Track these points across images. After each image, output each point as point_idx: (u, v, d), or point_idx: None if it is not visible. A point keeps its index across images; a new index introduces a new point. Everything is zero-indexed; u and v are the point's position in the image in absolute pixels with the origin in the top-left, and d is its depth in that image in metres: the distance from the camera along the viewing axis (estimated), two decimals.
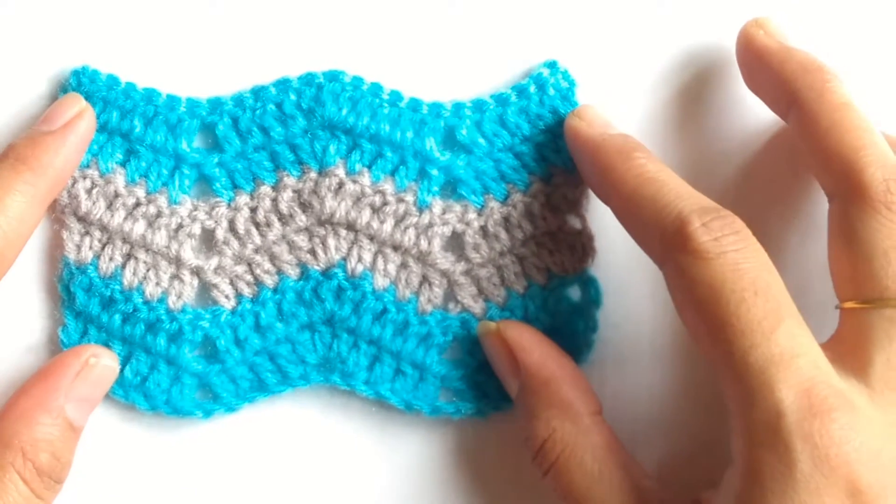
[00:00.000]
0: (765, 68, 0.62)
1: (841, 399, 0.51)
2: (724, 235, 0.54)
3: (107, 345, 0.63)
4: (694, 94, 0.66)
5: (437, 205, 0.64)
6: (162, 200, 0.64)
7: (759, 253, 0.54)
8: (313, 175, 0.63)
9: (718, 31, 0.65)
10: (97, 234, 0.63)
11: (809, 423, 0.50)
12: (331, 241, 0.64)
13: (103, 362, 0.62)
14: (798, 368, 0.51)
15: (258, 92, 0.64)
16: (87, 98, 0.63)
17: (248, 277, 0.64)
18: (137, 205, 0.64)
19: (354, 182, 0.63)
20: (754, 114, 0.65)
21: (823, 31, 0.66)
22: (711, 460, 0.59)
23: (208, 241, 0.65)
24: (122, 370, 0.63)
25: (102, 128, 0.63)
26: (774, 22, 0.63)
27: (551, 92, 0.64)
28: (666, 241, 0.55)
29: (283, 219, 0.64)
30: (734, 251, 0.54)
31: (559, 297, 0.65)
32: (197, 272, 0.64)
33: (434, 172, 0.64)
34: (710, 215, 0.54)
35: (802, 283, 0.63)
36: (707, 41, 0.66)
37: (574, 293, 0.65)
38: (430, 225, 0.64)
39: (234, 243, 0.64)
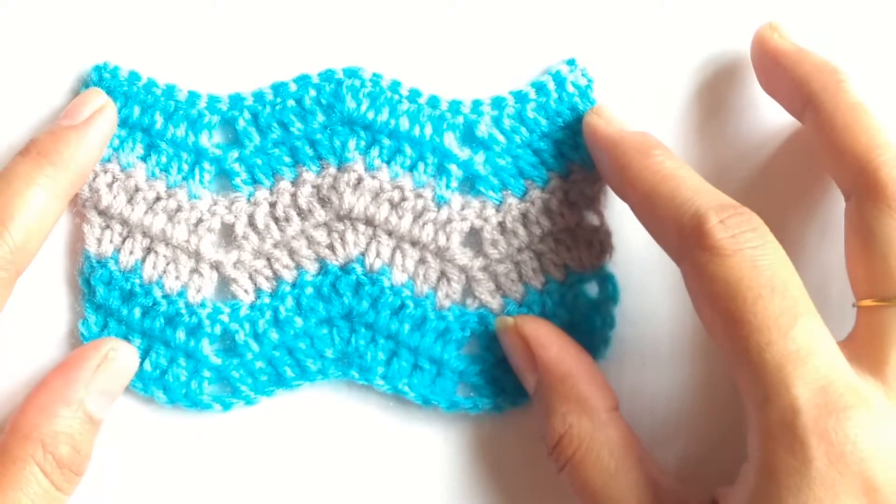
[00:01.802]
0: (779, 70, 0.62)
1: (857, 397, 0.51)
2: (741, 232, 0.54)
3: (126, 338, 0.64)
4: (711, 93, 0.66)
5: (456, 201, 0.64)
6: (182, 195, 0.64)
7: (776, 250, 0.54)
8: (332, 170, 0.64)
9: (736, 32, 0.65)
10: (118, 228, 0.64)
11: (825, 420, 0.50)
12: (349, 237, 0.64)
13: (123, 355, 0.62)
14: (814, 366, 0.51)
15: (278, 88, 0.65)
16: (109, 93, 0.64)
17: (267, 272, 0.65)
18: (158, 199, 0.64)
19: (373, 178, 0.64)
20: (771, 114, 0.65)
21: (837, 34, 0.66)
22: (728, 457, 0.59)
23: (228, 235, 0.65)
24: (141, 363, 0.64)
25: (123, 123, 0.64)
26: (788, 25, 0.63)
27: (570, 89, 0.65)
28: (683, 237, 0.55)
29: (301, 214, 0.64)
30: (751, 248, 0.54)
31: (577, 294, 0.65)
32: (216, 266, 0.64)
33: (452, 168, 0.64)
34: (727, 212, 0.55)
35: (820, 281, 0.64)
36: (725, 42, 0.66)
37: (591, 289, 0.65)
38: (449, 221, 0.64)
39: (254, 238, 0.64)
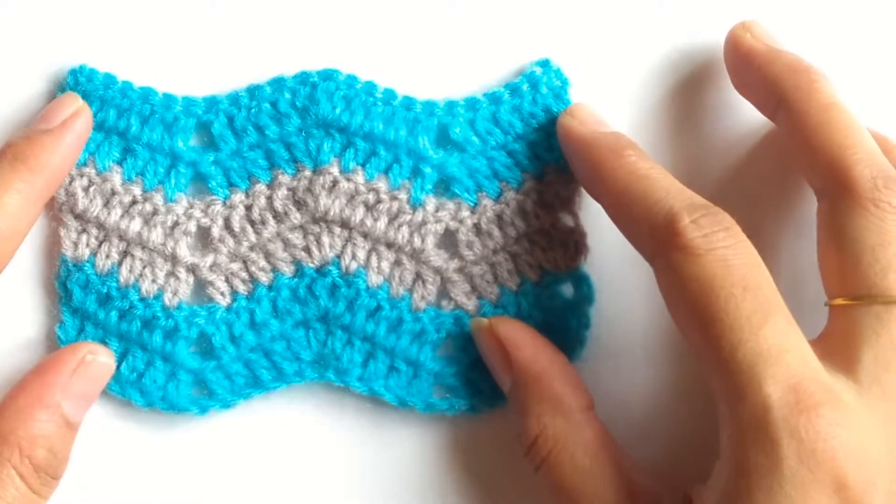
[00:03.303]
0: (752, 70, 0.62)
1: (828, 395, 0.51)
2: (713, 232, 0.54)
3: (103, 341, 0.64)
4: (686, 93, 0.66)
5: (431, 202, 0.64)
6: (158, 198, 0.64)
7: (748, 249, 0.54)
8: (308, 173, 0.64)
9: (711, 31, 0.66)
10: (94, 231, 0.64)
11: (796, 418, 0.50)
12: (325, 239, 0.64)
13: (100, 359, 0.62)
14: (786, 364, 0.51)
15: (253, 91, 0.65)
16: (85, 97, 0.64)
17: (244, 275, 0.65)
18: (134, 202, 0.64)
19: (348, 180, 0.64)
20: (745, 114, 0.65)
21: (811, 33, 0.66)
22: (703, 455, 0.59)
23: (204, 238, 0.65)
24: (118, 367, 0.64)
25: (99, 126, 0.64)
26: (761, 25, 0.64)
27: (544, 90, 0.65)
28: (656, 237, 0.55)
29: (277, 216, 0.64)
30: (724, 247, 0.54)
31: (552, 294, 0.65)
32: (193, 269, 0.64)
33: (427, 170, 0.64)
34: (699, 212, 0.55)
35: (794, 280, 0.64)
36: (700, 41, 0.66)
37: (567, 290, 0.65)
38: (424, 223, 0.64)
39: (230, 241, 0.64)
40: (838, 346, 0.55)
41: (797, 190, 0.66)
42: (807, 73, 0.60)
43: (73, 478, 0.62)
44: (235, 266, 0.64)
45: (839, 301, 0.57)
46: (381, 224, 0.64)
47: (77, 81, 0.64)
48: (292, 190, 0.64)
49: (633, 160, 0.59)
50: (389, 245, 0.64)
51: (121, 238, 0.64)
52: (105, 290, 0.64)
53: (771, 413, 0.51)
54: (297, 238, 0.64)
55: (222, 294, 0.65)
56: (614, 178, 0.59)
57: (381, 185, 0.64)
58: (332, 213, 0.64)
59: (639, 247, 0.58)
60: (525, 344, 0.62)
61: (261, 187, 0.64)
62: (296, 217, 0.64)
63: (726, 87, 0.65)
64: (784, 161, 0.65)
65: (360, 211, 0.64)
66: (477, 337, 0.64)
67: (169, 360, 0.64)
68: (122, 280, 0.64)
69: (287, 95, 0.64)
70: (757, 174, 0.66)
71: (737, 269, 0.53)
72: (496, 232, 0.64)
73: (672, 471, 0.64)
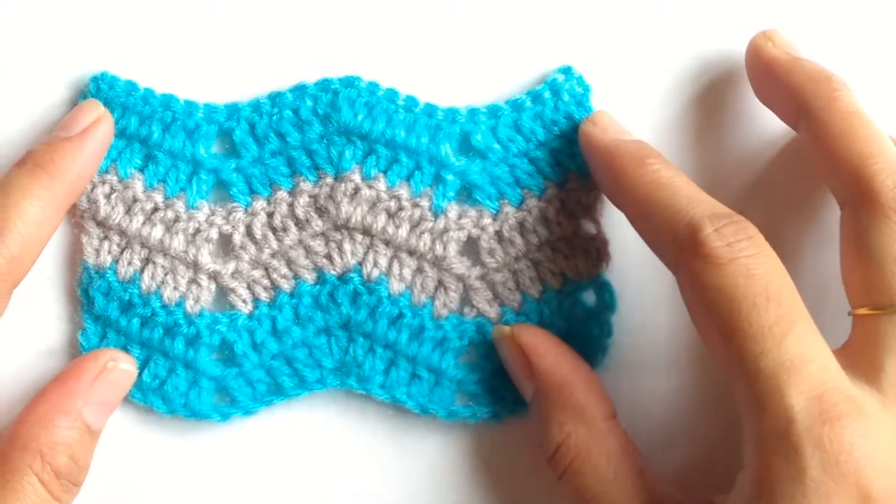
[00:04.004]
0: (774, 79, 0.62)
1: (852, 405, 0.51)
2: (736, 241, 0.54)
3: (125, 348, 0.64)
4: (708, 102, 0.66)
5: (453, 210, 0.64)
6: (180, 205, 0.64)
7: (771, 258, 0.54)
8: (329, 180, 0.64)
9: (733, 40, 0.66)
10: (116, 238, 0.64)
11: (820, 428, 0.50)
12: (347, 246, 0.64)
13: (121, 366, 0.62)
14: (809, 374, 0.51)
15: (275, 98, 0.65)
16: (106, 104, 0.64)
17: (265, 282, 0.65)
18: (155, 209, 0.64)
19: (370, 187, 0.64)
20: (766, 122, 0.65)
21: (832, 42, 0.66)
22: (726, 464, 0.58)
23: (225, 245, 0.65)
24: (140, 374, 0.64)
25: (121, 133, 0.64)
26: (783, 34, 0.63)
27: (566, 97, 0.65)
28: (679, 246, 0.55)
29: (299, 224, 0.64)
30: (746, 257, 0.54)
31: (574, 302, 0.65)
32: (214, 276, 0.64)
33: (449, 177, 0.64)
34: (722, 221, 0.55)
35: (816, 289, 0.64)
36: (722, 49, 0.66)
37: (589, 298, 0.65)
38: (446, 230, 0.64)
39: (251, 248, 0.64)
40: (862, 355, 0.55)
41: (819, 198, 0.65)
42: (828, 82, 0.60)
43: (94, 485, 0.63)
44: (257, 273, 0.65)
45: (862, 310, 0.56)
46: (403, 231, 0.64)
47: (99, 88, 0.64)
48: (314, 197, 0.64)
49: (656, 168, 0.58)
50: (411, 252, 0.64)
51: (143, 245, 0.64)
52: (127, 298, 0.64)
53: (794, 423, 0.51)
54: (318, 245, 0.64)
55: (244, 301, 0.65)
56: (636, 186, 0.58)
57: (403, 192, 0.64)
58: (353, 221, 0.64)
59: (661, 255, 0.58)
60: (547, 352, 0.62)
61: (282, 194, 0.64)
62: (317, 224, 0.64)
63: (748, 95, 0.65)
64: (806, 170, 0.65)
65: (382, 218, 0.64)
66: (499, 345, 0.64)
67: (191, 368, 0.64)
68: (144, 287, 0.64)
69: (309, 102, 0.64)
70: (779, 183, 0.66)
71: (760, 279, 0.53)
72: (518, 239, 0.64)
73: (694, 480, 0.64)
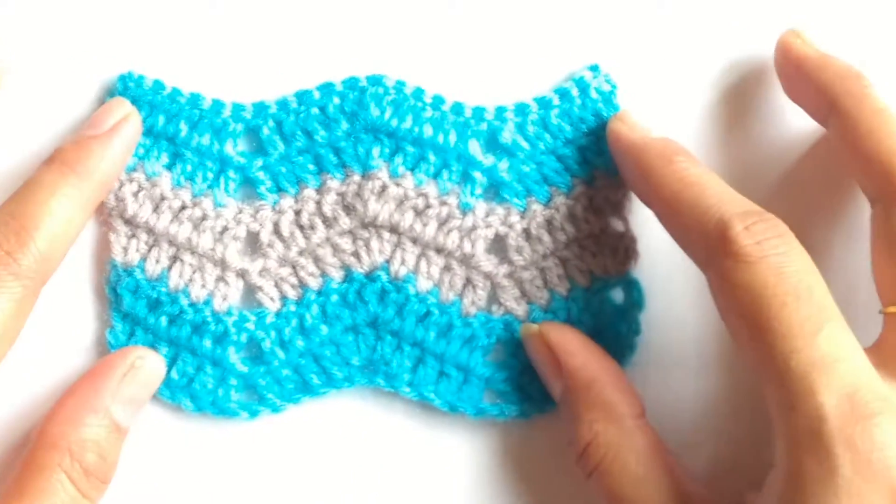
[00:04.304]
0: (803, 76, 0.62)
1: (884, 404, 0.51)
2: (766, 239, 0.54)
3: (153, 346, 0.64)
4: (737, 99, 0.66)
5: (480, 207, 0.64)
6: (207, 203, 0.64)
7: (802, 256, 0.54)
8: (356, 178, 0.64)
9: (760, 38, 0.65)
10: (143, 236, 0.64)
11: (851, 427, 0.50)
12: (374, 244, 0.64)
13: (150, 364, 0.62)
14: (840, 373, 0.51)
15: (302, 96, 0.65)
16: (134, 102, 0.64)
17: (293, 280, 0.65)
18: (183, 208, 0.64)
19: (397, 185, 0.64)
20: (796, 119, 0.65)
21: (861, 40, 0.66)
22: (756, 462, 0.59)
23: (253, 243, 0.65)
24: (168, 371, 0.64)
25: (148, 132, 0.64)
26: (812, 31, 0.63)
27: (593, 95, 0.64)
28: (708, 244, 0.55)
29: (326, 221, 0.64)
30: (776, 255, 0.53)
31: (602, 300, 0.65)
32: (242, 274, 0.64)
33: (477, 175, 0.64)
34: (752, 218, 0.54)
35: (847, 287, 0.63)
36: (749, 47, 0.66)
37: (617, 295, 0.65)
38: (474, 228, 0.64)
39: (279, 246, 0.64)
40: (893, 354, 0.55)
41: (850, 195, 0.65)
42: (858, 80, 0.60)
43: (122, 482, 0.63)
44: (285, 271, 0.65)
45: (893, 309, 0.56)
46: (431, 229, 0.64)
47: (126, 87, 0.64)
48: (341, 195, 0.64)
49: (684, 166, 0.58)
50: (439, 250, 0.64)
51: (170, 243, 0.64)
52: (155, 295, 0.64)
53: (826, 422, 0.50)
54: (346, 243, 0.64)
55: (272, 299, 0.65)
56: (665, 183, 0.58)
57: (431, 190, 0.64)
58: (381, 218, 0.64)
59: (691, 253, 0.58)
60: (576, 350, 0.62)
61: (310, 192, 0.64)
62: (345, 222, 0.64)
63: (776, 92, 0.65)
64: (836, 166, 0.65)
65: (410, 216, 0.64)
66: (527, 342, 0.64)
67: (219, 365, 0.64)
68: (171, 285, 0.64)
69: (336, 100, 0.64)
70: (809, 180, 0.66)
71: (790, 277, 0.53)
72: (546, 237, 0.64)
73: (724, 478, 0.64)
